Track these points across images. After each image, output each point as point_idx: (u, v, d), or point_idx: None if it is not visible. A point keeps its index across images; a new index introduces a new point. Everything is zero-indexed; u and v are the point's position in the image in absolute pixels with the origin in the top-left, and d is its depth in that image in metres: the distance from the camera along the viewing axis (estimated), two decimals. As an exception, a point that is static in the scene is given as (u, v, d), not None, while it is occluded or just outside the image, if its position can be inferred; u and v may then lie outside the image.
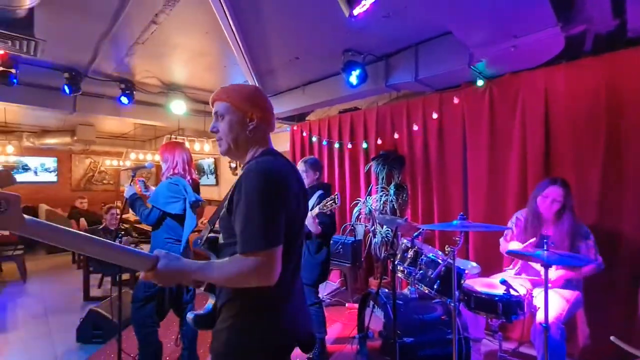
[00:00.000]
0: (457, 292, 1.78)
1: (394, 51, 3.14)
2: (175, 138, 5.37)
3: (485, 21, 2.06)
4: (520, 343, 2.57)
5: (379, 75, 3.26)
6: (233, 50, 3.02)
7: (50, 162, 7.85)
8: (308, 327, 1.14)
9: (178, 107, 4.34)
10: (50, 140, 6.56)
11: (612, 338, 1.76)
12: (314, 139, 4.63)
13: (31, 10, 2.28)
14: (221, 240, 1.09)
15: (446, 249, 1.84)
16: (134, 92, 4.07)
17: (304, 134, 4.81)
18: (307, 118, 5.17)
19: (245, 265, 0.91)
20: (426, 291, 2.06)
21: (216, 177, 7.57)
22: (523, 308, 1.94)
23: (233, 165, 6.97)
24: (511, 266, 2.45)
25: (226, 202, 1.04)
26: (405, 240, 2.38)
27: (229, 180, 7.21)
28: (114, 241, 3.78)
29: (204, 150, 5.68)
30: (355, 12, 1.85)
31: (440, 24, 2.54)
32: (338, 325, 3.17)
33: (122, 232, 4.43)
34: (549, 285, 1.75)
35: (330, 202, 2.15)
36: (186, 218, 2.33)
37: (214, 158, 7.44)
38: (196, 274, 0.95)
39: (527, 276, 2.28)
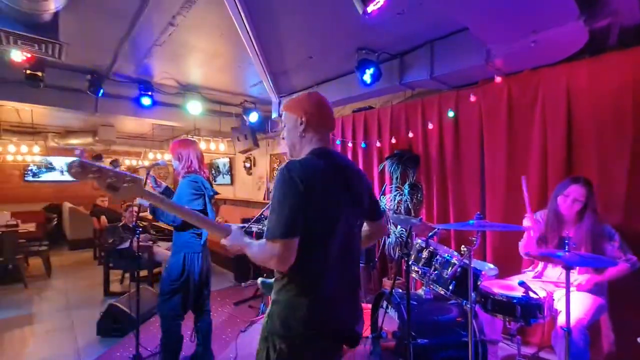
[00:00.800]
0: (473, 294, 1.74)
1: (408, 49, 3.11)
2: (192, 138, 5.47)
3: (502, 16, 2.00)
4: (540, 348, 2.48)
5: (393, 73, 3.22)
6: (248, 52, 3.05)
7: (74, 161, 8.16)
8: (347, 322, 1.18)
9: (194, 107, 4.42)
10: (74, 141, 6.80)
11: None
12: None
13: (56, 14, 2.37)
14: None
15: (462, 249, 1.80)
16: (153, 93, 4.16)
17: (318, 133, 4.80)
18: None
19: (265, 250, 1.07)
20: (441, 292, 2.02)
21: (231, 177, 7.67)
22: (543, 311, 1.88)
23: (247, 165, 7.05)
24: (530, 268, 2.38)
25: None
26: (419, 241, 2.35)
27: (243, 179, 7.30)
28: (132, 238, 3.88)
29: (219, 150, 5.77)
30: (369, 9, 1.83)
31: (456, 19, 2.48)
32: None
33: (140, 229, 4.55)
34: (573, 288, 1.69)
35: None
36: (208, 212, 2.39)
37: (229, 158, 7.54)
38: (245, 248, 1.16)
39: (548, 279, 2.21)
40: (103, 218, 5.96)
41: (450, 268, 2.01)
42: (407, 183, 3.56)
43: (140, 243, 4.17)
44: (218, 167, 8.04)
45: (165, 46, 3.15)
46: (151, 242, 4.44)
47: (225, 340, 2.86)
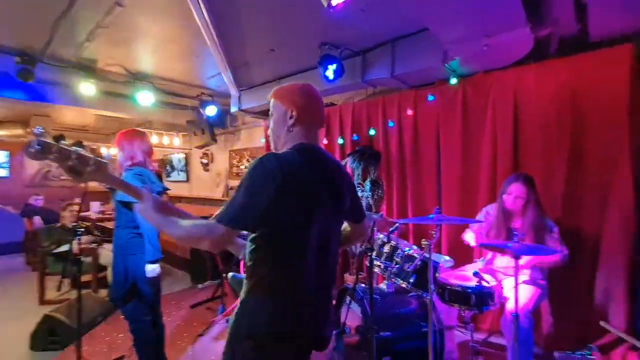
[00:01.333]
0: (432, 286, 1.79)
1: (371, 46, 3.14)
2: (138, 128, 5.09)
3: (460, 17, 2.09)
4: (490, 333, 2.66)
5: (355, 70, 3.24)
6: (206, 40, 2.88)
7: (2, 155, 7.21)
8: (319, 325, 1.14)
9: (145, 98, 4.09)
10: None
11: (601, 323, 1.83)
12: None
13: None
14: None
15: (422, 243, 1.86)
16: (97, 81, 3.79)
17: (279, 129, 4.71)
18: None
19: (204, 228, 1.01)
20: (403, 285, 2.07)
21: (187, 173, 7.28)
22: (494, 299, 2.00)
23: (205, 161, 6.74)
24: (481, 258, 2.53)
25: None
26: (381, 235, 2.39)
27: (200, 176, 6.96)
28: (72, 240, 3.52)
29: (174, 145, 5.43)
30: (334, 2, 1.81)
31: (417, 19, 2.55)
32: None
33: (82, 230, 4.13)
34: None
35: None
36: None
37: (185, 153, 7.14)
38: (162, 225, 1.11)
39: (496, 268, 2.37)
40: (37, 218, 5.35)
41: (411, 262, 2.07)
42: (368, 179, 3.62)
43: (83, 245, 3.82)
44: (172, 163, 7.59)
45: (112, 28, 2.87)
46: (95, 245, 4.06)
47: (181, 345, 2.70)
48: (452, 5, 1.95)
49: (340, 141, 3.93)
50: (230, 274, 1.30)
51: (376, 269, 2.29)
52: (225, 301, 3.25)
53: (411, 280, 2.02)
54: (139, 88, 4.07)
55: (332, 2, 1.80)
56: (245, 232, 1.08)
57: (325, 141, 4.08)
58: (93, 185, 2.21)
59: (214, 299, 3.67)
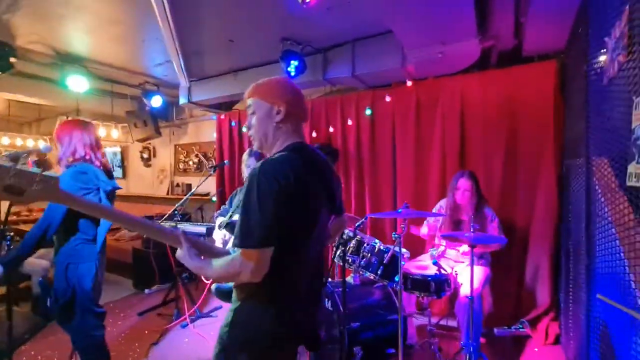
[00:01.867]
0: (400, 276, 1.91)
1: (332, 45, 3.19)
2: (67, 116, 4.49)
3: (421, 25, 2.23)
4: (441, 317, 2.90)
5: (316, 67, 3.27)
6: (158, 21, 2.63)
7: None
8: (313, 327, 1.14)
9: (77, 83, 3.61)
10: None
11: (598, 295, 2.05)
12: (244, 129, 4.41)
13: None
14: None
15: (394, 236, 1.96)
16: (13, 60, 3.24)
17: (233, 123, 4.54)
18: (234, 107, 4.90)
19: (236, 263, 0.93)
20: (371, 277, 2.16)
21: (123, 169, 6.62)
22: (450, 285, 2.20)
23: (145, 155, 6.20)
24: (434, 248, 2.75)
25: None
26: (347, 231, 2.46)
27: (140, 172, 6.38)
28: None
29: (112, 137, 4.89)
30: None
31: (381, 22, 2.65)
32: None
33: (9, 237, 3.52)
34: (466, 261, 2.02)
35: None
36: None
37: (121, 147, 6.48)
38: (201, 269, 1.02)
39: (449, 256, 2.60)
40: None
41: (378, 255, 2.17)
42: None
43: None
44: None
45: (39, 1, 2.48)
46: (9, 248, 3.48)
47: (134, 357, 2.46)
48: (416, 14, 2.07)
49: (298, 138, 3.92)
50: (214, 286, 1.24)
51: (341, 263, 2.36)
52: (180, 305, 3.06)
53: (379, 272, 2.12)
54: (69, 72, 3.57)
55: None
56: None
57: (282, 137, 4.04)
58: None
59: (165, 303, 3.42)
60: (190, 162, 5.50)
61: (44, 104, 4.81)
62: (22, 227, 4.66)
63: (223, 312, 3.28)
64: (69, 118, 4.56)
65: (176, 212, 3.05)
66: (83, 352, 1.95)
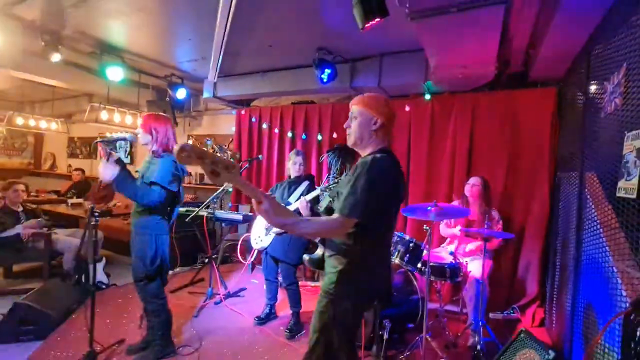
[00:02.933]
0: (428, 264, 2.30)
1: (360, 57, 3.54)
2: (100, 104, 4.64)
3: (452, 52, 2.61)
4: (445, 303, 3.32)
5: (344, 76, 3.61)
6: (216, 26, 2.87)
7: None
8: (388, 286, 1.51)
9: (115, 73, 3.80)
10: None
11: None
12: (265, 125, 4.70)
13: None
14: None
15: (424, 228, 2.35)
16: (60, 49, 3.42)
17: (253, 119, 4.82)
18: (252, 104, 5.16)
19: (333, 223, 1.28)
20: (397, 262, 2.55)
21: (131, 157, 6.74)
22: (462, 272, 2.62)
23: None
24: (446, 243, 3.17)
25: (345, 183, 1.36)
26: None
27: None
28: (17, 224, 3.29)
29: (137, 125, 5.03)
30: (367, 26, 2.13)
31: (408, 41, 3.02)
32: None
33: (33, 213, 3.68)
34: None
35: (334, 184, 2.43)
36: (179, 195, 2.30)
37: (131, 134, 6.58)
38: (285, 224, 1.25)
39: (460, 250, 3.03)
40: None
41: (403, 244, 2.56)
42: (345, 174, 4.03)
43: (32, 230, 3.46)
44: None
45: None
46: (45, 229, 3.66)
47: (178, 326, 2.74)
48: (451, 44, 2.44)
49: (319, 137, 4.26)
50: (305, 256, 1.58)
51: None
52: (214, 284, 3.35)
53: (405, 259, 2.51)
54: (108, 62, 3.76)
55: (366, 26, 2.10)
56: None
57: (304, 136, 4.37)
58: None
59: (194, 283, 3.70)
60: (205, 153, 5.71)
61: (56, 85, 4.87)
62: (46, 207, 4.75)
63: (248, 292, 3.59)
64: (96, 103, 4.70)
65: (215, 199, 3.33)
66: (154, 313, 2.25)
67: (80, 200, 5.06)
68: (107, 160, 2.15)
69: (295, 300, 2.80)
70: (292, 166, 2.91)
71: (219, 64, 3.78)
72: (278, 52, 3.56)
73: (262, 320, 2.89)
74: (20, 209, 3.65)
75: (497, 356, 1.18)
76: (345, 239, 1.35)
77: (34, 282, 3.55)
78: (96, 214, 2.13)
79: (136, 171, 2.41)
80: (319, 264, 1.52)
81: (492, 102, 3.35)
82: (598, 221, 2.03)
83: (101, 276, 3.58)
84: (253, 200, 1.27)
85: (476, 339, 2.43)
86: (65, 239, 3.70)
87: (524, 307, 3.17)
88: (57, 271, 3.66)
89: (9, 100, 6.22)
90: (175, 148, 1.03)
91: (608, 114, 1.81)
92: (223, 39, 3.08)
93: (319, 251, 1.53)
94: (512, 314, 3.17)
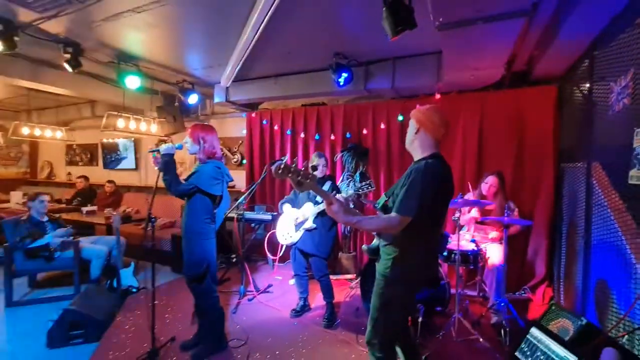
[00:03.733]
0: (458, 252, 2.53)
1: (374, 60, 3.73)
2: (118, 112, 4.68)
3: (469, 55, 2.82)
4: (463, 288, 3.58)
5: (359, 78, 3.79)
6: (243, 37, 3.01)
7: None
8: (435, 273, 1.70)
9: (132, 81, 3.89)
10: None
11: None
12: (276, 127, 4.85)
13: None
14: (390, 206, 1.59)
15: (453, 219, 2.57)
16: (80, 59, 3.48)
17: (265, 122, 4.95)
18: (260, 107, 5.29)
19: (391, 221, 1.50)
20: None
21: (136, 161, 6.75)
22: (482, 258, 2.87)
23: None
24: (465, 229, 3.40)
25: (400, 186, 1.56)
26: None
27: (152, 164, 6.54)
28: (44, 235, 3.41)
29: (151, 131, 5.10)
30: (395, 37, 2.31)
31: (420, 45, 3.24)
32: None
33: (57, 223, 3.73)
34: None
35: (366, 185, 2.61)
36: (223, 198, 2.45)
37: (134, 139, 6.60)
38: (351, 221, 1.56)
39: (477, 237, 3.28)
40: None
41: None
42: (358, 172, 4.24)
43: (61, 239, 3.53)
44: (116, 148, 6.90)
45: (140, 15, 2.79)
46: (72, 237, 3.73)
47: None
48: (470, 47, 2.66)
49: (332, 137, 4.44)
50: (364, 247, 1.81)
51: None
52: (245, 282, 3.51)
53: (433, 248, 2.73)
54: (127, 72, 3.83)
55: (394, 37, 2.29)
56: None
57: (317, 137, 4.54)
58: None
59: (221, 282, 3.85)
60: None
61: (63, 94, 4.87)
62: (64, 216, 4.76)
63: (275, 288, 3.76)
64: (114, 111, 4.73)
65: (243, 201, 3.47)
66: (206, 312, 2.41)
67: (93, 207, 5.08)
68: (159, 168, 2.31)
69: (328, 292, 2.99)
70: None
71: (236, 71, 3.92)
72: (295, 57, 3.71)
73: (298, 312, 3.07)
74: (46, 219, 3.70)
75: (531, 325, 1.39)
76: (398, 232, 1.55)
77: (59, 291, 3.63)
78: (153, 219, 2.26)
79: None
80: (375, 252, 1.72)
81: (498, 100, 3.60)
82: (607, 205, 2.30)
83: (131, 280, 3.68)
84: (325, 202, 1.57)
85: (500, 317, 2.68)
86: (91, 246, 3.77)
87: (534, 287, 3.46)
88: (83, 278, 3.72)
89: (6, 109, 6.14)
90: (273, 168, 1.28)
91: (616, 112, 2.07)
92: (247, 49, 3.23)
93: (375, 242, 1.74)
94: (523, 295, 3.46)
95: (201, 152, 2.34)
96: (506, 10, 1.93)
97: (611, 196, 2.25)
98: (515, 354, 1.36)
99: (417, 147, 1.68)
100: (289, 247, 3.18)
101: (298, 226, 3.01)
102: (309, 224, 2.92)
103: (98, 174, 7.25)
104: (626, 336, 1.79)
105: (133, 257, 4.81)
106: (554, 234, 3.44)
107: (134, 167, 6.76)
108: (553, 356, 1.23)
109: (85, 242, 3.83)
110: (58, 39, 3.25)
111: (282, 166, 1.29)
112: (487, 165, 3.63)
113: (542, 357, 1.26)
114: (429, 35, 2.64)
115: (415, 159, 1.68)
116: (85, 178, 6.31)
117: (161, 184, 2.35)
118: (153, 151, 2.37)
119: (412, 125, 1.69)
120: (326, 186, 2.99)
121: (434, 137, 1.66)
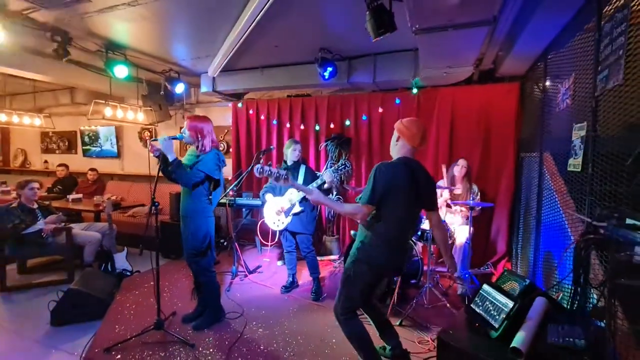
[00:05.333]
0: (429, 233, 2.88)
1: (356, 55, 3.98)
2: (105, 101, 4.68)
3: (443, 55, 3.13)
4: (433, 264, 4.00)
5: (342, 72, 4.03)
6: (236, 29, 3.14)
7: None
8: (402, 261, 2.01)
9: (121, 71, 3.93)
10: None
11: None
12: (262, 117, 5.03)
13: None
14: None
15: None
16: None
17: (251, 111, 5.12)
18: (246, 97, 5.43)
19: (356, 209, 1.85)
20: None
21: (118, 149, 6.71)
22: (450, 236, 3.26)
23: (147, 137, 6.39)
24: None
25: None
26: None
27: (138, 152, 6.55)
28: (36, 222, 3.55)
29: (138, 120, 5.13)
30: (377, 38, 2.57)
31: (399, 43, 3.52)
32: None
33: (47, 210, 3.79)
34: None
35: (342, 166, 2.88)
36: (221, 183, 2.68)
37: (116, 127, 6.55)
38: (330, 205, 2.01)
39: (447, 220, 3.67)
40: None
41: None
42: (341, 161, 4.53)
43: (53, 225, 3.62)
44: (97, 135, 6.82)
45: (137, 8, 2.88)
46: (64, 224, 3.82)
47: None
48: (444, 51, 2.96)
49: (317, 128, 4.69)
50: (353, 232, 2.15)
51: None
52: (236, 263, 3.75)
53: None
54: (115, 61, 3.88)
55: (377, 38, 2.54)
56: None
57: (302, 127, 4.77)
58: None
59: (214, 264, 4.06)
60: (201, 145, 5.90)
61: (38, 79, 4.78)
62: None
63: (265, 269, 4.03)
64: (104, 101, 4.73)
65: (234, 187, 3.68)
66: (206, 284, 2.65)
67: (79, 195, 5.11)
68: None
69: (314, 267, 3.31)
70: (292, 152, 3.30)
71: (225, 62, 4.05)
72: (283, 51, 3.89)
73: (288, 288, 3.37)
74: (36, 206, 3.75)
75: (487, 286, 1.72)
76: (370, 218, 1.88)
77: (50, 276, 3.74)
78: (157, 204, 2.45)
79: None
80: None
81: (468, 94, 3.96)
82: (553, 189, 2.71)
83: (125, 264, 3.83)
84: (305, 194, 1.95)
85: (465, 287, 3.09)
86: (85, 233, 3.88)
87: (496, 263, 3.92)
88: (76, 263, 3.83)
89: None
90: (255, 170, 1.58)
91: (561, 109, 2.45)
92: (237, 43, 3.38)
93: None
94: (486, 269, 3.91)
95: (199, 142, 2.53)
96: (472, 20, 2.23)
97: (557, 181, 2.66)
98: (471, 305, 1.70)
99: (396, 151, 2.04)
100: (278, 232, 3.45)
101: (287, 212, 3.27)
102: (297, 208, 3.19)
103: (77, 162, 7.15)
104: (561, 295, 2.21)
105: (121, 244, 4.93)
106: (513, 215, 3.89)
107: (115, 155, 6.73)
108: (496, 303, 1.58)
109: (77, 228, 3.93)
110: (46, 27, 3.26)
111: (261, 170, 1.76)
112: (458, 152, 4.01)
113: (489, 305, 1.61)
114: (406, 33, 2.91)
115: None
116: (66, 166, 6.24)
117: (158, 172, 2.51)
118: (155, 140, 2.52)
119: (395, 134, 2.05)
120: (302, 169, 3.25)
121: (411, 144, 1.98)
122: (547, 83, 2.91)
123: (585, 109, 2.05)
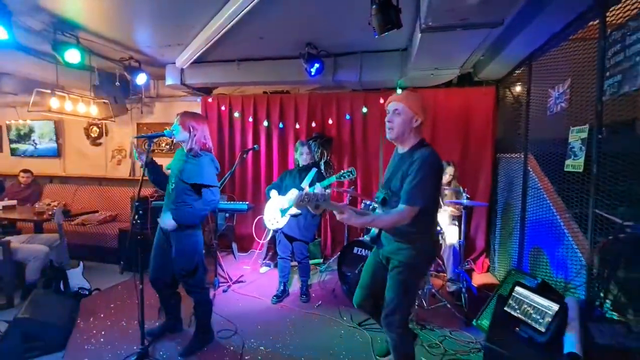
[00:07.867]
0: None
1: (342, 52, 3.86)
2: (52, 90, 3.96)
3: (435, 57, 3.15)
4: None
5: (328, 69, 3.88)
6: (222, 17, 2.82)
7: None
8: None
9: (72, 56, 3.36)
10: None
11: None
12: (237, 114, 4.69)
13: None
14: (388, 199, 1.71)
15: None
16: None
17: (223, 108, 4.74)
18: (214, 92, 5.03)
19: (402, 214, 1.56)
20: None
21: (58, 147, 5.81)
22: (441, 236, 3.30)
23: (94, 134, 5.61)
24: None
25: (400, 175, 1.65)
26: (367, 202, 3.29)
27: (83, 151, 5.73)
28: None
29: (91, 114, 4.44)
30: (382, 33, 2.48)
31: (386, 42, 3.48)
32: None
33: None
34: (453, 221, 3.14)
35: (347, 173, 2.78)
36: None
37: (54, 122, 5.67)
38: (365, 223, 1.71)
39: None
40: None
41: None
42: (323, 160, 4.39)
43: None
44: (30, 132, 5.85)
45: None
46: (2, 236, 3.16)
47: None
48: (438, 53, 2.97)
49: (297, 126, 4.48)
50: (366, 237, 1.93)
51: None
52: (218, 275, 3.40)
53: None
54: (65, 45, 3.29)
55: (381, 34, 2.44)
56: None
57: (281, 125, 4.53)
58: None
59: (189, 277, 3.66)
60: (163, 143, 5.35)
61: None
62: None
63: (247, 277, 3.73)
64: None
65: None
66: (199, 304, 2.34)
67: (12, 202, 4.29)
68: (143, 157, 2.16)
69: (306, 272, 3.18)
70: (300, 156, 3.15)
71: (199, 53, 3.67)
72: (266, 43, 3.63)
73: (280, 297, 3.14)
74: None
75: (521, 288, 1.68)
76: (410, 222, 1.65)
77: None
78: (140, 212, 2.09)
79: (167, 168, 2.38)
80: (375, 240, 1.84)
81: (449, 96, 4.08)
82: (541, 188, 2.85)
83: (82, 282, 3.27)
84: (336, 213, 1.57)
85: (457, 285, 3.14)
86: (27, 246, 3.25)
87: (475, 259, 4.08)
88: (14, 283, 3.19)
89: None
90: (296, 199, 1.44)
91: (554, 113, 2.57)
92: (222, 30, 3.06)
93: (374, 230, 1.85)
94: (466, 266, 4.06)
95: (192, 142, 2.20)
96: (484, 21, 2.24)
97: (544, 181, 2.81)
98: (505, 309, 1.67)
99: (414, 134, 1.70)
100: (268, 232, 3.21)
101: (284, 212, 3.05)
102: (295, 210, 2.98)
103: (2, 163, 6.08)
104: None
105: (72, 257, 4.24)
106: (490, 213, 4.09)
107: (55, 154, 5.83)
108: (537, 306, 1.56)
109: (16, 241, 3.27)
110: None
111: (305, 198, 1.44)
112: (439, 152, 4.08)
113: (528, 308, 1.59)
114: (396, 33, 2.85)
115: (406, 147, 1.72)
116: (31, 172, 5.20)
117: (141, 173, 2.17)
118: (140, 137, 2.16)
119: (407, 113, 1.65)
120: (312, 173, 3.07)
121: (424, 123, 1.74)
122: (532, 88, 3.07)
123: (586, 112, 2.16)
